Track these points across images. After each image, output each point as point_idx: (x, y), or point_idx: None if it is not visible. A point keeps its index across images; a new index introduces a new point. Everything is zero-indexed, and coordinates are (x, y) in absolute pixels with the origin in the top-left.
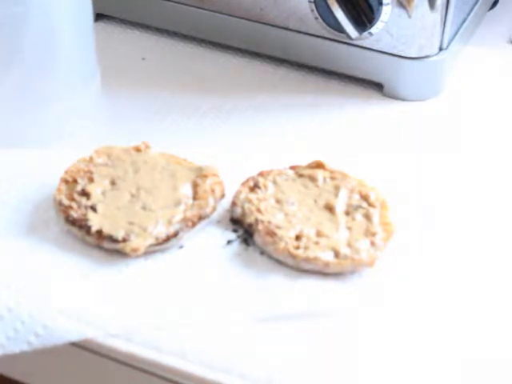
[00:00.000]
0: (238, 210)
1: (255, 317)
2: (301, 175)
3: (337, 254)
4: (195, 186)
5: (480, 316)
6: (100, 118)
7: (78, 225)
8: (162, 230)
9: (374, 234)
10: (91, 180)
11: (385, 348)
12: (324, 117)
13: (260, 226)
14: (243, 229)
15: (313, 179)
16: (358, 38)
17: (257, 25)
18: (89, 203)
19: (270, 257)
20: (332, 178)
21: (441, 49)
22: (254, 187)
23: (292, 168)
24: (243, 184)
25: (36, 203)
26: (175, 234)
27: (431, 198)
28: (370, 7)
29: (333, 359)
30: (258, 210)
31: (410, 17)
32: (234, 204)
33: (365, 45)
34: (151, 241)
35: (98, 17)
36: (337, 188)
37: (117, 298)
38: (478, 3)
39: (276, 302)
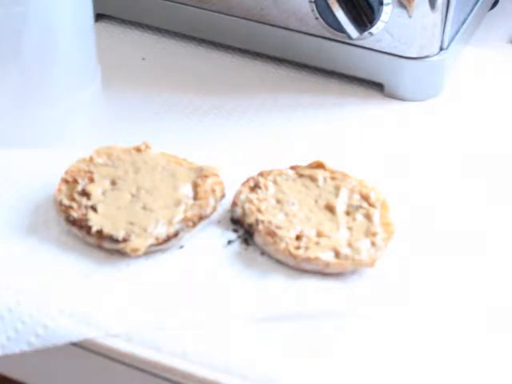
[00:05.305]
0: (239, 210)
1: (255, 317)
2: (301, 175)
3: (337, 254)
4: (195, 186)
5: (480, 315)
6: (100, 117)
7: (78, 225)
8: (162, 230)
9: (374, 234)
10: (91, 180)
11: (385, 348)
12: (324, 117)
13: (260, 226)
14: (243, 229)
15: (313, 179)
16: (358, 38)
17: (257, 25)
18: (89, 203)
19: (271, 257)
20: (332, 178)
21: (441, 49)
22: (255, 187)
23: (292, 168)
24: (243, 184)
25: (36, 203)
26: (175, 234)
27: (431, 197)
28: (371, 7)
29: (333, 359)
30: (259, 210)
31: (410, 17)
32: (234, 204)
33: (365, 45)
34: (151, 241)
35: (98, 17)
36: (337, 188)
37: (117, 298)
38: (478, 3)
39: (276, 302)
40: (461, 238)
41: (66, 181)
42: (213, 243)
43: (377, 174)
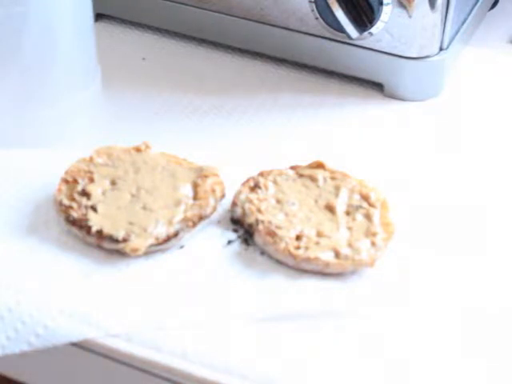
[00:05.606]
0: (239, 210)
1: (255, 317)
2: (301, 175)
3: (337, 255)
4: (195, 186)
5: (480, 315)
6: (100, 117)
7: (78, 225)
8: (162, 230)
9: (374, 234)
10: (91, 180)
11: (385, 348)
12: (324, 117)
13: (260, 226)
14: (243, 229)
15: (313, 179)
16: (358, 38)
17: (257, 25)
18: (89, 203)
19: (271, 257)
20: (332, 178)
21: (441, 49)
22: (255, 187)
23: (292, 168)
24: (244, 184)
25: (36, 203)
26: (175, 234)
27: (431, 197)
28: (371, 7)
29: (333, 359)
30: (259, 210)
31: (410, 17)
32: (234, 204)
33: (365, 45)
34: (151, 241)
35: (98, 17)
36: (337, 188)
37: (117, 298)
38: (478, 3)
39: (276, 302)
40: (461, 238)
41: (66, 181)
42: (213, 243)
43: (377, 174)
